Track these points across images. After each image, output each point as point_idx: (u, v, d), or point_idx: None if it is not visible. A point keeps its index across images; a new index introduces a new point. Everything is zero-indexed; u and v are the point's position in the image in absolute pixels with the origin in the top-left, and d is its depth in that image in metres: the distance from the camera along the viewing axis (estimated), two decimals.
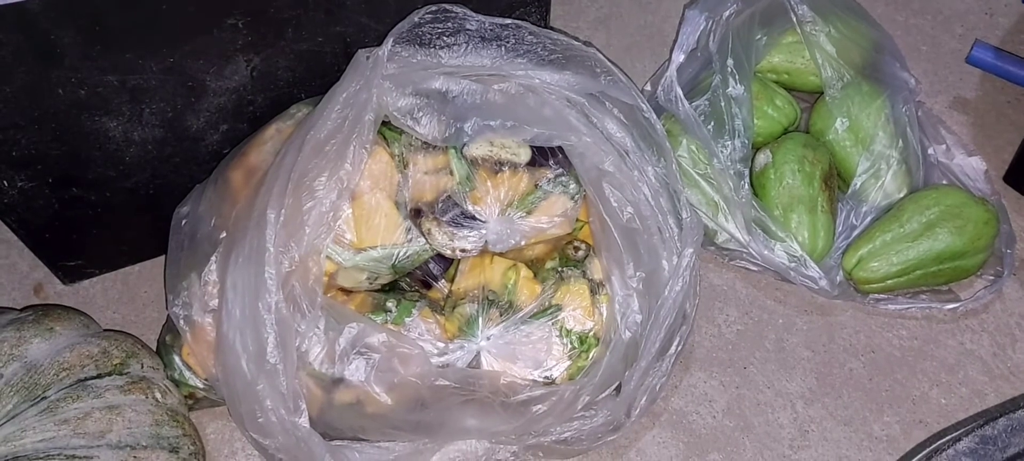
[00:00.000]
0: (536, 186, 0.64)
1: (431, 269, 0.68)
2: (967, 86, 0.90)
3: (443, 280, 0.69)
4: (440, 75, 0.61)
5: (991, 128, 0.87)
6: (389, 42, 0.60)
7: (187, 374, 0.65)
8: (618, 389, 0.63)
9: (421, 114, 0.61)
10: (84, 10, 0.54)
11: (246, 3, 0.59)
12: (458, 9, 0.62)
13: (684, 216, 0.64)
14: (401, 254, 0.64)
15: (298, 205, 0.58)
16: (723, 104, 0.74)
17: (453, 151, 0.63)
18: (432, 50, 0.62)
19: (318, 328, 0.59)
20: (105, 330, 0.65)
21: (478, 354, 0.62)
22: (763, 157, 0.76)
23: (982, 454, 0.50)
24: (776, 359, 0.73)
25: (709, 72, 0.77)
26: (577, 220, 0.67)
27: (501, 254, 0.66)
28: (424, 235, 0.63)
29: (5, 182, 0.63)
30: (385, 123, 0.63)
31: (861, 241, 0.74)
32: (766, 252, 0.73)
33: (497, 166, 0.63)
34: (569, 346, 0.63)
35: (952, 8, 0.95)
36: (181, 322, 0.62)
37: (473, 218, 0.63)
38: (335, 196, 0.58)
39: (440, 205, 0.63)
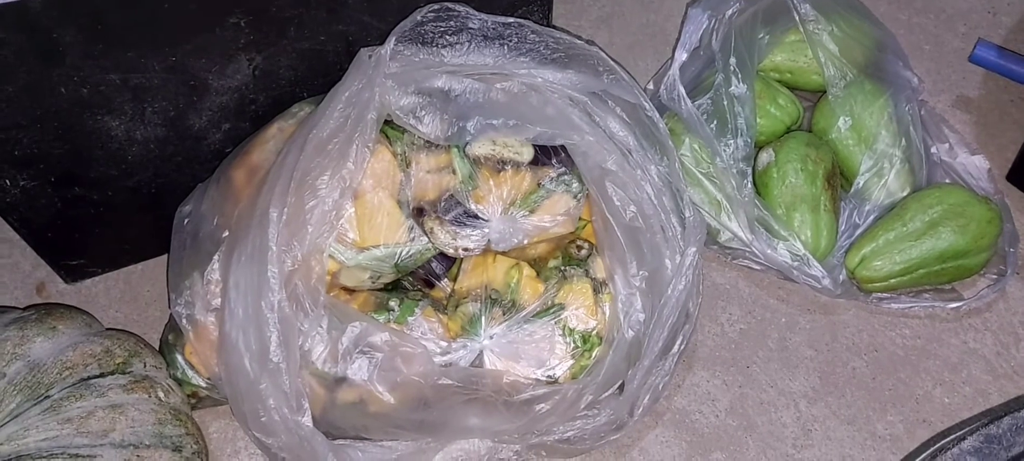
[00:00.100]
0: (539, 185, 0.64)
1: (433, 268, 0.68)
2: (970, 85, 0.90)
3: (446, 279, 0.69)
4: (442, 74, 0.61)
5: (994, 127, 0.86)
6: (392, 41, 0.60)
7: (190, 373, 0.65)
8: (621, 388, 0.63)
9: (424, 113, 0.61)
10: (86, 9, 0.54)
11: (248, 2, 0.59)
12: (460, 8, 0.62)
13: (687, 215, 0.64)
14: (404, 253, 0.64)
15: (301, 204, 0.58)
16: (726, 103, 0.74)
17: (456, 150, 0.63)
18: (434, 49, 0.62)
19: (321, 327, 0.59)
20: (107, 329, 0.65)
21: (481, 353, 0.62)
22: (766, 156, 0.76)
23: (987, 453, 0.50)
24: (779, 358, 0.73)
25: (712, 71, 0.77)
26: (580, 219, 0.67)
27: (504, 253, 0.65)
28: (427, 234, 0.63)
29: (7, 181, 0.63)
30: (388, 122, 0.63)
31: (864, 240, 0.74)
32: (769, 251, 0.72)
33: (500, 165, 0.63)
34: (572, 345, 0.63)
35: (955, 7, 0.95)
36: (184, 321, 0.62)
37: (476, 217, 0.63)
38: (338, 195, 0.58)
39: (443, 204, 0.63)
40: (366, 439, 0.63)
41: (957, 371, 0.73)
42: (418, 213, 0.63)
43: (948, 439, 0.52)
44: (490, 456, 0.67)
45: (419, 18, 0.61)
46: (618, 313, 0.62)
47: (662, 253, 0.63)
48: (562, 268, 0.66)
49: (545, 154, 0.64)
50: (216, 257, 0.62)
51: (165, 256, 0.76)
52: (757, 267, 0.76)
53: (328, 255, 0.60)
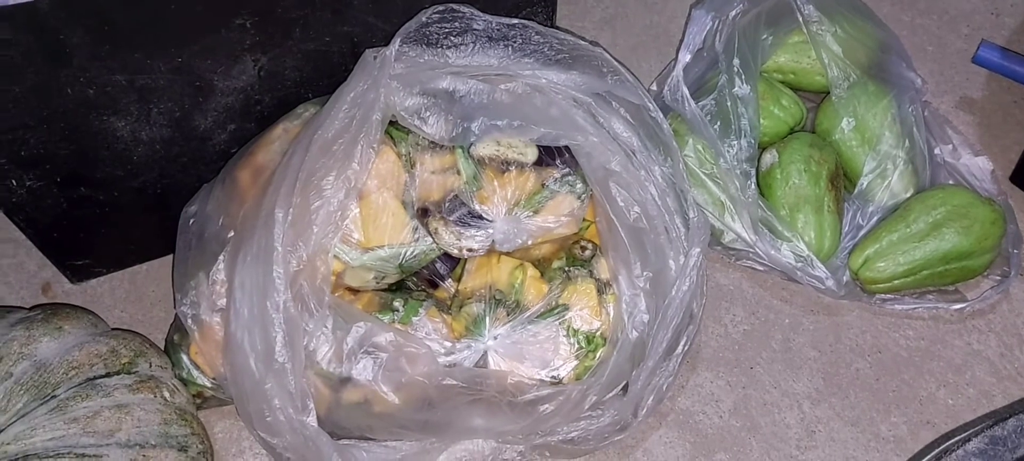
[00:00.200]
0: (543, 185, 0.64)
1: (438, 268, 0.68)
2: (973, 86, 0.90)
3: (450, 279, 0.69)
4: (447, 75, 0.62)
5: (997, 128, 0.86)
6: (396, 42, 0.60)
7: (195, 373, 0.65)
8: (625, 389, 0.63)
9: (428, 114, 0.61)
10: (93, 10, 0.54)
11: (254, 3, 0.59)
12: (465, 9, 0.62)
13: (691, 216, 0.64)
14: (408, 253, 0.64)
15: (306, 204, 0.58)
16: (729, 104, 0.74)
17: (460, 151, 0.63)
18: (439, 50, 0.62)
19: (326, 327, 0.59)
20: (113, 329, 0.65)
21: (485, 353, 0.63)
22: (769, 157, 0.76)
23: (992, 455, 0.50)
24: (783, 359, 0.73)
25: (715, 72, 0.77)
26: (584, 220, 0.67)
27: (508, 253, 0.66)
28: (431, 234, 0.63)
29: (14, 181, 0.63)
30: (392, 123, 0.63)
31: (867, 241, 0.74)
32: (772, 252, 0.73)
33: (504, 165, 0.63)
34: (576, 346, 0.63)
35: (958, 8, 0.95)
36: (189, 321, 0.62)
37: (480, 217, 0.63)
38: (343, 195, 0.59)
39: (447, 204, 0.63)
40: (370, 439, 0.63)
41: (961, 372, 0.73)
42: (422, 214, 0.63)
43: (953, 441, 0.52)
44: (494, 456, 0.67)
45: (424, 19, 0.61)
46: (622, 314, 0.63)
47: (666, 254, 0.64)
48: (566, 269, 0.66)
49: (549, 155, 0.65)
50: (221, 257, 0.62)
51: (170, 256, 0.76)
52: (761, 268, 0.76)
53: (333, 255, 0.60)
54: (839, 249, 0.75)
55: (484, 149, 0.63)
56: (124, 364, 0.60)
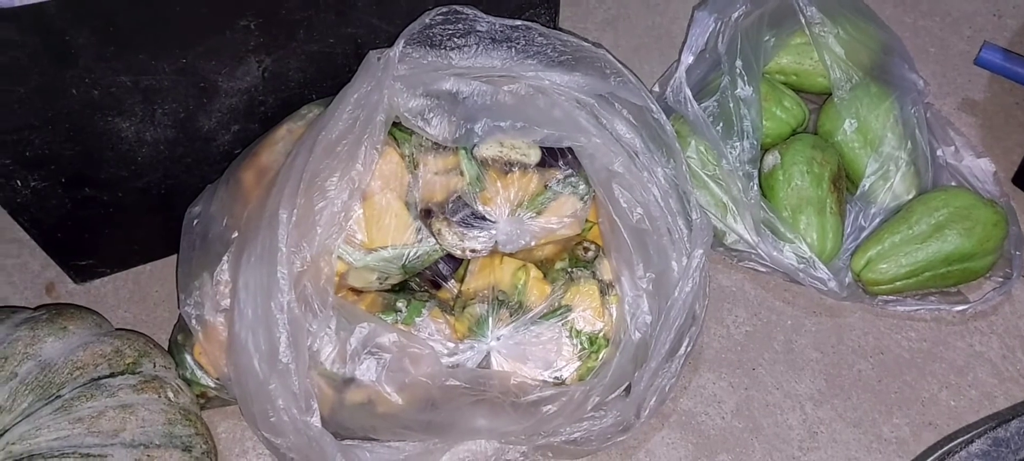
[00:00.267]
0: (546, 187, 0.64)
1: (440, 269, 0.68)
2: (975, 88, 0.90)
3: (452, 280, 0.69)
4: (451, 76, 0.62)
5: (1000, 130, 0.87)
6: (400, 43, 0.61)
7: (199, 373, 0.65)
8: (628, 390, 0.63)
9: (432, 115, 0.61)
10: (99, 11, 0.55)
11: (258, 5, 0.59)
12: (469, 10, 0.62)
13: (694, 217, 0.64)
14: (411, 254, 0.64)
15: (310, 205, 0.58)
16: (732, 105, 0.74)
17: (463, 152, 0.63)
18: (443, 51, 0.62)
19: (329, 328, 0.59)
20: (117, 329, 0.65)
21: (488, 354, 0.63)
22: (772, 158, 0.76)
23: (995, 456, 0.50)
24: (785, 360, 0.74)
25: (718, 73, 0.77)
26: (586, 221, 0.67)
27: (511, 254, 0.66)
28: (434, 235, 0.63)
29: (18, 182, 0.63)
30: (396, 124, 0.63)
31: (870, 243, 0.74)
32: (775, 253, 0.73)
33: (507, 167, 0.63)
34: (579, 347, 0.63)
35: (960, 10, 0.95)
36: (193, 321, 0.63)
37: (483, 218, 0.63)
38: (347, 196, 0.59)
39: (450, 205, 0.63)
40: (374, 440, 0.63)
41: (963, 374, 0.73)
42: (426, 215, 0.63)
43: (956, 443, 0.52)
44: (497, 457, 0.67)
45: (427, 21, 0.61)
46: (625, 315, 0.63)
47: (669, 255, 0.64)
48: (569, 270, 0.66)
49: (552, 156, 0.65)
50: (225, 258, 0.62)
51: (174, 257, 0.76)
52: (763, 269, 0.76)
53: (337, 256, 0.60)
54: (841, 251, 0.75)
55: (487, 150, 0.63)
56: (128, 364, 0.60)
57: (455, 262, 0.69)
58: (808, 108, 0.81)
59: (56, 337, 0.59)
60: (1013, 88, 0.89)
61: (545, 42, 0.64)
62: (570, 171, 0.65)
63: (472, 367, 0.62)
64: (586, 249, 0.67)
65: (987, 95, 0.89)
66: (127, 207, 0.69)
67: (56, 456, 0.54)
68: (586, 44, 0.65)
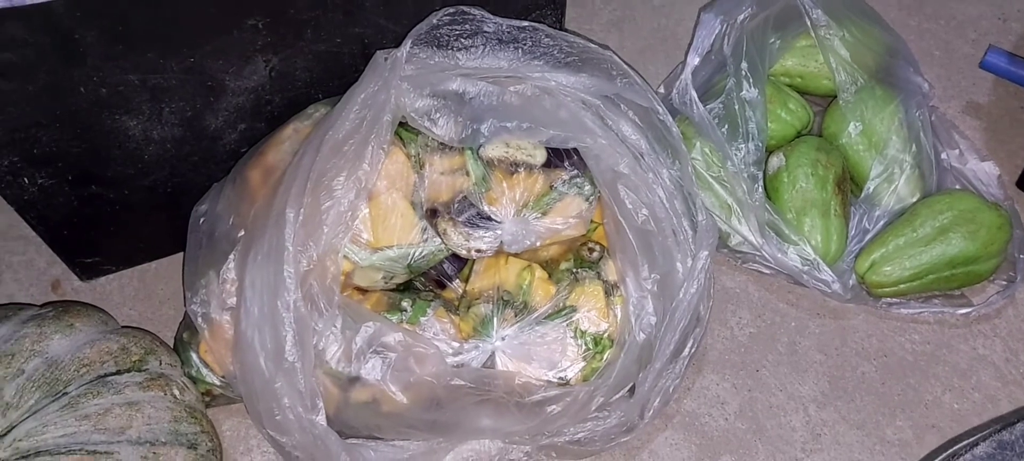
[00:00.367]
0: (551, 187, 0.64)
1: (445, 269, 0.69)
2: (980, 91, 0.90)
3: (457, 280, 0.69)
4: (457, 76, 0.62)
5: (1004, 133, 0.87)
6: (408, 43, 0.61)
7: (204, 371, 0.66)
8: (632, 391, 0.63)
9: (438, 115, 0.61)
10: (107, 10, 0.55)
11: (266, 4, 0.59)
12: (476, 11, 0.62)
13: (699, 219, 0.64)
14: (417, 254, 0.64)
15: (317, 204, 0.58)
16: (737, 107, 0.74)
17: (469, 152, 0.63)
18: (450, 52, 0.62)
19: (335, 327, 0.59)
20: (123, 327, 0.65)
21: (493, 354, 0.63)
22: (776, 160, 0.76)
23: (999, 459, 0.50)
24: (788, 362, 0.74)
25: (723, 75, 0.77)
26: (592, 222, 0.67)
27: (516, 255, 0.66)
28: (440, 235, 0.64)
29: (26, 179, 0.63)
30: (402, 124, 0.63)
31: (874, 245, 0.74)
32: (779, 255, 0.73)
33: (513, 167, 0.64)
34: (584, 347, 0.63)
35: (965, 13, 0.95)
36: (199, 319, 0.63)
37: (488, 219, 0.63)
38: (353, 196, 0.59)
39: (456, 205, 0.63)
40: (378, 438, 0.63)
41: (966, 377, 0.73)
42: (431, 214, 0.64)
43: (960, 445, 0.52)
44: (501, 457, 0.68)
45: (435, 21, 0.62)
46: (629, 316, 0.63)
47: (673, 256, 0.64)
48: (574, 270, 0.66)
49: (558, 157, 0.65)
50: (232, 256, 0.62)
51: (179, 255, 0.77)
52: (767, 271, 0.76)
53: (343, 255, 0.61)
54: (845, 253, 0.75)
55: (493, 151, 0.63)
56: (135, 362, 0.60)
57: (460, 262, 0.69)
58: (813, 110, 0.81)
59: (63, 334, 0.59)
60: (1018, 92, 0.89)
61: (552, 43, 0.64)
62: (576, 172, 0.65)
63: (477, 367, 0.62)
64: (591, 250, 0.67)
65: (992, 98, 0.89)
66: (133, 205, 0.70)
67: (63, 453, 0.54)
68: (593, 45, 0.65)
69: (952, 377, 0.73)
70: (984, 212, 0.73)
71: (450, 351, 0.63)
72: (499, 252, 0.65)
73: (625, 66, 0.65)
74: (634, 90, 0.65)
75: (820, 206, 0.74)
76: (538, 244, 0.64)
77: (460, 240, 0.63)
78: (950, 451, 0.53)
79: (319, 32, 0.63)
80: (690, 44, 0.79)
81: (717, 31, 0.77)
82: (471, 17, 0.62)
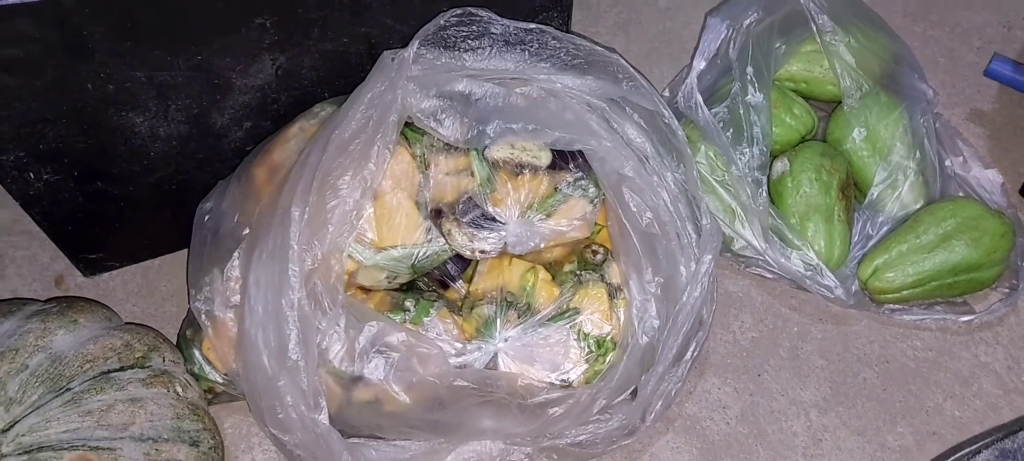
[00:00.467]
0: (556, 189, 0.65)
1: (449, 269, 0.69)
2: (984, 99, 0.90)
3: (460, 281, 0.69)
4: (464, 78, 0.62)
5: (1008, 141, 0.87)
6: (415, 44, 0.61)
7: (207, 369, 0.66)
8: (634, 393, 0.63)
9: (444, 116, 0.61)
10: (115, 7, 0.55)
11: (274, 3, 0.59)
12: (483, 13, 0.62)
13: (704, 222, 0.64)
14: (421, 254, 0.64)
15: (322, 203, 0.58)
16: (742, 111, 0.74)
17: (475, 153, 0.63)
18: (456, 53, 0.62)
19: (338, 326, 0.59)
20: (126, 323, 0.65)
21: (495, 355, 0.63)
22: (780, 165, 0.76)
23: None
24: (790, 367, 0.74)
25: (728, 79, 0.77)
26: (596, 224, 0.68)
27: (520, 256, 0.66)
28: (444, 236, 0.64)
29: (31, 174, 0.63)
30: (408, 124, 0.63)
31: (877, 251, 0.74)
32: (782, 260, 0.73)
33: (518, 168, 0.64)
34: (586, 350, 0.63)
35: (970, 21, 0.95)
36: (203, 317, 0.63)
37: (493, 220, 0.63)
38: (359, 195, 0.59)
39: (460, 206, 0.63)
40: (380, 438, 0.63)
41: (968, 384, 0.73)
42: (436, 215, 0.64)
43: (962, 452, 0.52)
44: (502, 458, 0.68)
45: (442, 22, 0.62)
46: (633, 319, 0.63)
47: (677, 260, 0.64)
48: (578, 273, 0.66)
49: (563, 159, 0.65)
50: (236, 254, 0.63)
51: (183, 252, 0.77)
52: (770, 276, 0.76)
53: (347, 254, 0.61)
54: (848, 258, 0.75)
55: (498, 152, 0.63)
56: (138, 358, 0.60)
57: (463, 262, 0.69)
58: (817, 116, 0.81)
59: (67, 330, 0.59)
60: (1022, 100, 0.89)
61: (558, 46, 0.64)
62: (580, 174, 0.65)
63: (479, 368, 0.62)
64: (595, 252, 0.67)
65: (996, 106, 0.89)
66: (138, 201, 0.70)
67: (66, 448, 0.54)
68: (599, 48, 0.65)
69: (954, 384, 0.73)
70: (987, 220, 0.73)
71: (453, 352, 0.63)
72: (503, 253, 0.65)
73: (631, 69, 0.65)
74: (640, 93, 0.65)
75: (824, 211, 0.74)
76: (542, 246, 0.64)
77: (464, 241, 0.63)
78: (953, 458, 0.53)
79: (326, 31, 0.63)
80: (696, 48, 0.79)
81: (723, 35, 0.77)
82: (478, 18, 0.62)
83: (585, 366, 0.63)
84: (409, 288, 0.69)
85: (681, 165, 0.66)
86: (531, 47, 0.64)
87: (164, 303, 0.76)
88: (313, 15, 0.62)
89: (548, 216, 0.64)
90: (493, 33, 0.63)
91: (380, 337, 0.60)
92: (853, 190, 0.78)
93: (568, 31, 0.71)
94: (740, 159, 0.73)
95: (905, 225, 0.75)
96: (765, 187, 0.74)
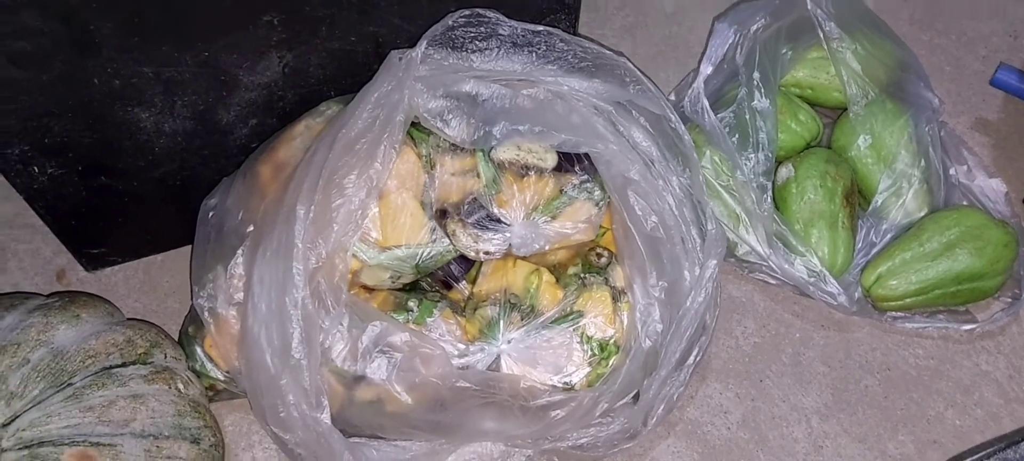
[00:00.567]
0: (561, 191, 0.65)
1: (453, 270, 0.69)
2: (990, 108, 0.90)
3: (464, 282, 0.69)
4: (471, 78, 0.62)
5: (1013, 150, 0.87)
6: (423, 44, 0.61)
7: (209, 366, 0.65)
8: (636, 397, 0.63)
9: (451, 116, 0.61)
10: (124, 2, 0.55)
11: (282, 1, 0.59)
12: (491, 14, 0.62)
13: (709, 228, 0.64)
14: (425, 254, 0.64)
15: (327, 202, 0.58)
16: (748, 117, 0.74)
17: (481, 154, 0.63)
18: (464, 53, 0.62)
19: (342, 325, 0.59)
20: (129, 319, 0.65)
21: (498, 357, 0.63)
22: (785, 171, 0.76)
23: None
24: (792, 373, 0.74)
25: (734, 84, 0.77)
26: (601, 227, 0.67)
27: (524, 258, 0.66)
28: (449, 236, 0.63)
29: (36, 168, 0.63)
30: (413, 123, 0.63)
31: (880, 259, 0.74)
32: (786, 266, 0.73)
33: (523, 170, 0.64)
34: (589, 353, 0.63)
35: (976, 30, 0.95)
36: (205, 314, 0.63)
37: (498, 221, 0.63)
38: (364, 194, 0.59)
39: (466, 207, 0.63)
40: (381, 438, 0.63)
41: (969, 393, 0.73)
42: (441, 215, 0.64)
43: None
44: (503, 460, 0.67)
45: (450, 23, 0.61)
46: (636, 322, 0.63)
47: (681, 264, 0.64)
48: (582, 275, 0.66)
49: (569, 161, 0.65)
50: (240, 251, 0.62)
51: (185, 248, 0.76)
52: (773, 281, 0.76)
53: (351, 254, 0.61)
54: (852, 265, 0.75)
55: (504, 153, 0.63)
56: (140, 354, 0.60)
57: (467, 263, 0.69)
58: (822, 122, 0.81)
59: (69, 325, 0.59)
60: None
61: (566, 48, 0.64)
62: (586, 177, 0.65)
63: (482, 369, 0.62)
64: (599, 255, 0.67)
65: (1001, 116, 0.89)
66: (142, 197, 0.69)
67: (66, 444, 0.54)
68: (607, 52, 0.65)
69: (955, 393, 0.73)
70: (991, 229, 0.74)
71: (456, 353, 0.63)
72: (507, 255, 0.65)
73: (639, 73, 0.65)
74: (647, 97, 0.65)
75: (828, 218, 0.74)
76: (547, 248, 0.64)
77: (469, 241, 0.63)
78: None
79: (334, 30, 0.63)
80: (703, 52, 0.79)
81: (731, 41, 0.77)
82: (487, 20, 0.62)
83: (588, 369, 0.63)
84: (412, 288, 0.69)
85: (687, 170, 0.66)
86: (538, 49, 0.64)
87: (166, 299, 0.76)
88: (321, 13, 0.61)
89: (553, 218, 0.64)
90: (501, 34, 0.63)
91: (383, 337, 0.60)
92: (857, 197, 0.78)
93: (575, 33, 0.71)
94: (745, 164, 0.73)
95: (909, 233, 0.75)
96: (770, 193, 0.74)
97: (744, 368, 0.74)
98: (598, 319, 0.64)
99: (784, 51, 0.78)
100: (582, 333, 0.63)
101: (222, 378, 0.66)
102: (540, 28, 0.63)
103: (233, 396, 0.68)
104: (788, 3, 0.77)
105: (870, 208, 0.77)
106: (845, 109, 0.80)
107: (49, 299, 0.62)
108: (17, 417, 0.54)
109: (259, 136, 0.68)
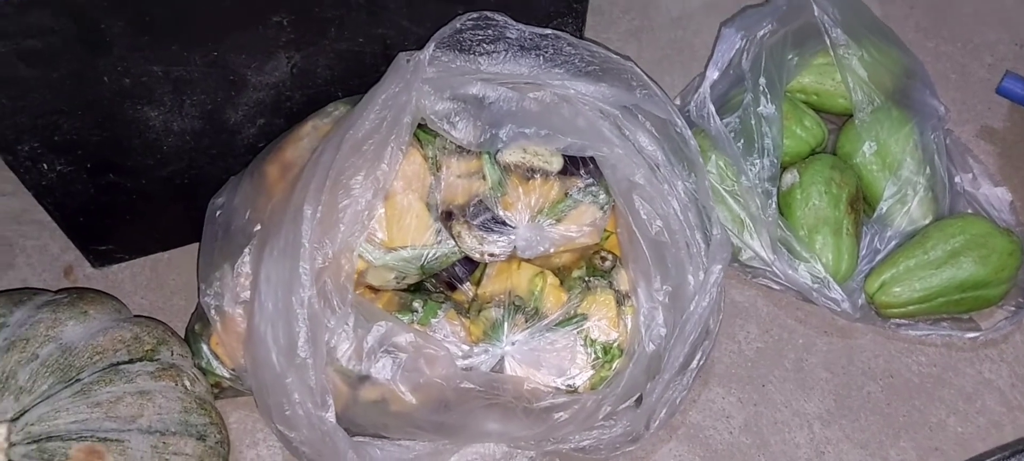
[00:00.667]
0: (566, 194, 0.65)
1: (457, 272, 0.69)
2: (995, 116, 0.90)
3: (469, 283, 0.69)
4: (478, 81, 0.62)
5: (1018, 159, 0.87)
6: (431, 46, 0.61)
7: (214, 363, 0.66)
8: (639, 401, 0.64)
9: (457, 118, 0.62)
10: (134, 1, 0.55)
11: (292, 2, 0.60)
12: (499, 17, 0.63)
13: (714, 233, 0.64)
14: (430, 255, 0.64)
15: (334, 202, 0.59)
16: (753, 122, 0.74)
17: (487, 156, 0.64)
18: (472, 56, 0.63)
19: (347, 325, 0.60)
20: (136, 316, 0.65)
21: (502, 359, 0.63)
22: (790, 177, 0.77)
23: None
24: (795, 379, 0.74)
25: (740, 89, 0.77)
26: (605, 230, 0.68)
27: (528, 260, 0.66)
28: (454, 238, 0.64)
29: (45, 165, 0.64)
30: (420, 125, 0.64)
31: (885, 266, 0.74)
32: (789, 271, 0.73)
33: (529, 173, 0.64)
34: (593, 356, 0.63)
35: (982, 38, 0.95)
36: (212, 312, 0.63)
37: (503, 223, 0.63)
38: (371, 195, 0.59)
39: (471, 209, 0.63)
40: (385, 438, 0.64)
41: (972, 401, 0.73)
42: (446, 217, 0.64)
43: None
44: None
45: (458, 26, 0.62)
46: (640, 326, 0.63)
47: (686, 269, 0.64)
48: (586, 278, 0.66)
49: (574, 164, 0.65)
50: (247, 250, 0.63)
51: (192, 246, 0.77)
52: (777, 287, 0.76)
53: (357, 254, 0.61)
54: (856, 272, 0.75)
55: (510, 156, 0.64)
56: (147, 351, 0.60)
57: (472, 265, 0.69)
58: (828, 128, 0.81)
59: (77, 321, 0.60)
60: None
61: (573, 52, 0.64)
62: (591, 180, 0.65)
63: (486, 371, 0.63)
64: (604, 258, 0.67)
65: (1007, 124, 0.89)
66: (150, 195, 0.70)
67: (74, 439, 0.54)
68: (614, 56, 0.65)
69: (957, 401, 0.73)
70: (996, 237, 0.74)
71: (460, 354, 0.63)
72: (512, 257, 0.65)
73: (645, 77, 0.65)
74: (653, 102, 0.65)
75: (832, 224, 0.74)
76: (551, 250, 0.64)
77: (474, 243, 0.63)
78: None
79: (342, 31, 0.63)
80: (710, 57, 0.79)
81: (737, 46, 0.78)
82: (494, 23, 0.63)
83: (591, 372, 0.63)
84: (417, 289, 0.69)
85: (692, 174, 0.66)
86: (546, 52, 0.64)
87: (172, 297, 0.76)
88: (330, 14, 0.62)
89: (558, 221, 0.64)
90: (508, 38, 0.63)
91: (388, 337, 0.60)
92: (862, 204, 0.78)
93: (582, 37, 0.71)
94: (750, 170, 0.73)
95: (913, 240, 0.75)
96: (774, 198, 0.74)
97: (747, 373, 0.74)
98: (602, 322, 0.64)
99: (790, 57, 0.78)
100: (586, 336, 0.64)
101: (228, 376, 0.66)
102: (548, 32, 0.64)
103: (238, 394, 0.69)
104: (795, 9, 0.78)
105: (875, 215, 0.77)
106: (850, 115, 0.80)
107: (57, 295, 0.63)
108: (26, 412, 0.55)
109: (266, 136, 0.69)
